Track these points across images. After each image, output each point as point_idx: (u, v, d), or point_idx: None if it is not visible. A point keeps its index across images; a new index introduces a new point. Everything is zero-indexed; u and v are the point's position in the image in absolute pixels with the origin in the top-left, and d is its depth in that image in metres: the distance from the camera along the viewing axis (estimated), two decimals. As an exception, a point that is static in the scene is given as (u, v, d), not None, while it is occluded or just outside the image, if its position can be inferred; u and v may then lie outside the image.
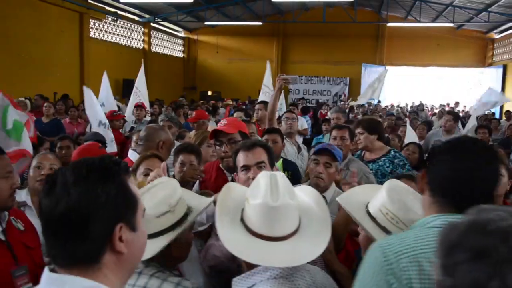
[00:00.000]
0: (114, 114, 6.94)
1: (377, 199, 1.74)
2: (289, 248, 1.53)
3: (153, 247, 1.66)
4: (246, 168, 2.34)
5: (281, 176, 1.68)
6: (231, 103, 16.33)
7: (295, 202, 1.61)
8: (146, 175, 2.61)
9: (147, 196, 1.77)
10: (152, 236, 1.69)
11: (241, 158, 2.37)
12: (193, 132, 5.21)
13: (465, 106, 20.13)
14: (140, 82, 8.47)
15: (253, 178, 2.09)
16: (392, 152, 4.18)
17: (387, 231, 1.66)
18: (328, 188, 2.88)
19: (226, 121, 3.20)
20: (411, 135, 6.26)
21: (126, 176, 1.10)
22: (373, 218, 1.72)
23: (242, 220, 1.65)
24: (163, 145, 3.45)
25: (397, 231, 1.62)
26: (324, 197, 2.16)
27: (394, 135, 6.69)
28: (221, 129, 3.04)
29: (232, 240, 1.58)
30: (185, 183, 2.88)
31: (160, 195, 1.80)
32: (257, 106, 6.14)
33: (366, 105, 14.89)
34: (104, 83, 7.94)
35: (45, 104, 8.17)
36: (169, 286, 1.66)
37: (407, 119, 8.96)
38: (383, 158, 4.10)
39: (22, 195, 2.93)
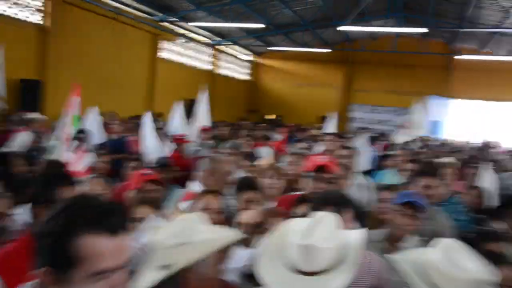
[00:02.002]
0: (177, 138, 7.01)
1: (431, 255, 1.76)
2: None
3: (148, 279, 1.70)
4: None
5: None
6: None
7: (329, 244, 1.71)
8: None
9: (166, 227, 1.87)
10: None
11: None
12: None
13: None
14: (201, 107, 8.45)
15: None
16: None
17: None
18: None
19: (327, 158, 3.16)
20: (486, 178, 5.81)
21: None
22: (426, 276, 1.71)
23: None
24: (213, 173, 3.44)
25: None
26: None
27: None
28: (331, 166, 3.00)
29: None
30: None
31: (180, 227, 1.84)
32: (327, 138, 6.06)
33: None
34: (178, 111, 7.94)
35: (116, 121, 8.47)
36: None
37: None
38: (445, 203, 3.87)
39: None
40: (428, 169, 4.19)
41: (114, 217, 1.20)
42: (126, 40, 15.68)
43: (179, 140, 6.86)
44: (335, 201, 2.20)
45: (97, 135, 7.54)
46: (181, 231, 1.79)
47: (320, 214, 1.87)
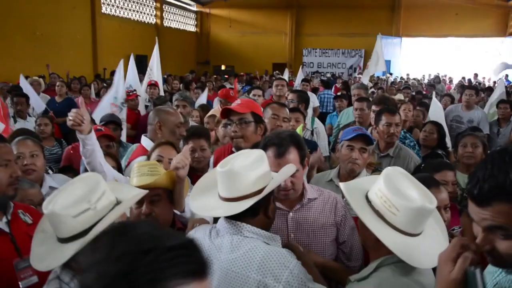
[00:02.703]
0: (130, 93, 6.80)
1: (375, 184, 1.72)
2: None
3: (67, 253, 1.53)
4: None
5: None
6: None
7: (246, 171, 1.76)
8: (159, 161, 2.57)
9: (63, 195, 1.61)
10: (68, 240, 1.56)
11: (270, 163, 2.00)
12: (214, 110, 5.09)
13: (484, 78, 19.66)
14: (153, 61, 8.23)
15: (285, 188, 2.15)
16: (402, 133, 4.06)
17: (380, 216, 1.63)
18: (361, 172, 2.86)
19: (239, 100, 3.10)
20: (437, 111, 5.98)
21: None
22: (369, 202, 1.70)
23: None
24: (161, 127, 3.34)
25: (390, 217, 1.60)
26: None
27: (418, 111, 6.26)
28: (232, 109, 2.95)
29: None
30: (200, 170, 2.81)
31: (77, 192, 1.61)
32: (276, 83, 6.02)
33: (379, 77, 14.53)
34: (131, 65, 7.68)
35: (57, 83, 8.13)
36: None
37: (434, 92, 8.36)
38: None
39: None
40: (389, 106, 4.28)
41: (197, 254, 0.88)
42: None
43: (130, 96, 6.66)
44: (278, 142, 2.19)
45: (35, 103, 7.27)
46: (82, 196, 1.59)
47: (247, 149, 1.92)
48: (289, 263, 1.64)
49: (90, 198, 1.60)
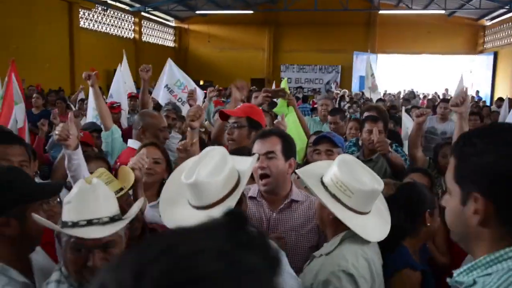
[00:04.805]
0: (114, 106, 6.73)
1: (330, 170, 1.90)
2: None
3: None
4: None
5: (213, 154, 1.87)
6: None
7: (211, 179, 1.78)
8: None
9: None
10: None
11: (254, 147, 2.32)
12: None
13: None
14: (125, 74, 8.15)
15: (260, 168, 2.21)
16: (393, 147, 4.15)
17: (336, 198, 1.82)
18: None
19: (240, 104, 3.18)
20: (408, 124, 6.18)
21: None
22: (325, 187, 1.86)
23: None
24: (144, 131, 3.39)
25: (345, 199, 1.81)
26: None
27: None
28: (227, 112, 3.01)
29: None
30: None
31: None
32: (255, 94, 6.11)
33: (357, 93, 14.89)
34: (116, 78, 7.64)
35: (34, 95, 8.09)
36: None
37: (403, 106, 8.71)
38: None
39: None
40: (372, 114, 4.35)
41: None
42: (38, 10, 14.74)
43: (114, 110, 6.55)
44: (264, 130, 2.32)
45: None
46: (83, 207, 1.56)
47: (206, 150, 1.94)
48: None
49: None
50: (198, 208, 1.80)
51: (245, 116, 2.99)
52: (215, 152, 1.89)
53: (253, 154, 2.25)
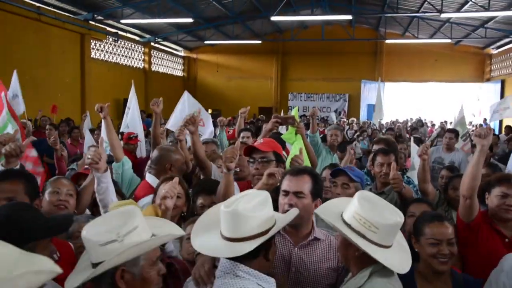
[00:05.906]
0: (131, 137, 6.61)
1: (350, 208, 1.94)
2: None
3: (77, 278, 1.60)
4: (285, 193, 2.30)
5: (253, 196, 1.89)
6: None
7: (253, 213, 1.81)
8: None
9: (98, 221, 1.67)
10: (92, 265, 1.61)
11: (284, 182, 2.33)
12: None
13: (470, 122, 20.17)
14: (131, 101, 8.05)
15: (289, 205, 2.22)
16: (405, 178, 4.15)
17: (361, 235, 1.86)
18: None
19: (262, 140, 3.21)
20: (416, 155, 6.19)
21: None
22: (348, 225, 1.90)
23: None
24: (171, 167, 3.44)
25: (370, 235, 1.85)
26: None
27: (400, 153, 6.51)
28: (255, 146, 3.06)
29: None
30: None
31: (112, 223, 1.63)
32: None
33: (365, 122, 14.97)
34: (131, 109, 7.60)
35: (47, 127, 8.21)
36: None
37: (408, 136, 8.68)
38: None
39: None
40: (383, 148, 4.38)
41: None
42: (52, 41, 15.14)
43: (132, 141, 6.49)
44: (296, 168, 2.44)
45: None
46: (113, 227, 1.60)
47: (253, 190, 1.99)
48: None
49: (119, 230, 1.59)
50: (227, 239, 1.81)
51: (272, 151, 3.05)
52: (259, 193, 1.93)
53: (282, 190, 2.31)
